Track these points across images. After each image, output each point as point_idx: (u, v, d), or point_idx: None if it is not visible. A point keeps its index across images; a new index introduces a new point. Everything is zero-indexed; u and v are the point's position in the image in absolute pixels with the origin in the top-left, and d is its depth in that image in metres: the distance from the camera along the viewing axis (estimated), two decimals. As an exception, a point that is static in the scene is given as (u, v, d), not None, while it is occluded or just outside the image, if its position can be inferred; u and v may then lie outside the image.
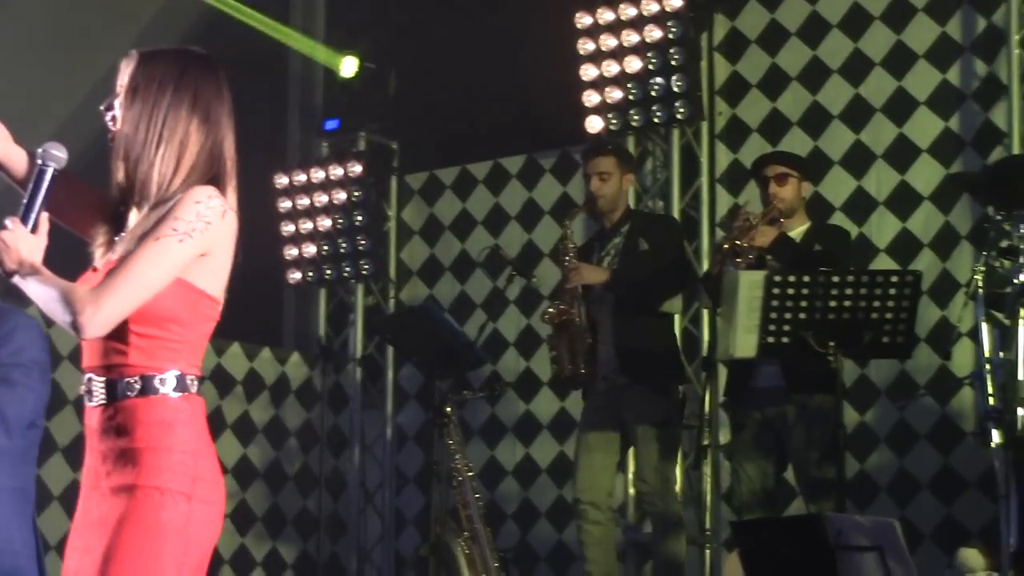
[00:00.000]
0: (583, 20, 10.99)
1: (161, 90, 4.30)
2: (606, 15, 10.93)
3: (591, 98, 10.95)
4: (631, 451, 9.53)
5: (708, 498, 9.94)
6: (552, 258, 11.11)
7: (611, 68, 10.90)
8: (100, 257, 4.33)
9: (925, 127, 10.24)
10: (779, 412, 8.74)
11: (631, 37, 10.85)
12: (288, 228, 12.25)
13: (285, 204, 12.26)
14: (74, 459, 10.35)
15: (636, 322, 9.19)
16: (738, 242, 8.69)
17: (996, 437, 7.91)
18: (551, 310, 9.39)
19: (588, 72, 10.96)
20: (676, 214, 10.82)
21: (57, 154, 4.17)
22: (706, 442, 9.51)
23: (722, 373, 9.32)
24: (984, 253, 8.35)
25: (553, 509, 11.15)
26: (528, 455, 11.38)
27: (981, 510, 9.35)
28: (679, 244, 9.67)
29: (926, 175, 10.19)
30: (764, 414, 8.81)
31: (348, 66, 12.12)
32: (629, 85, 10.85)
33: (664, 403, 9.22)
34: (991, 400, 7.92)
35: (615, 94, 10.88)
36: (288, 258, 12.23)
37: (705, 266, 10.38)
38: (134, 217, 4.31)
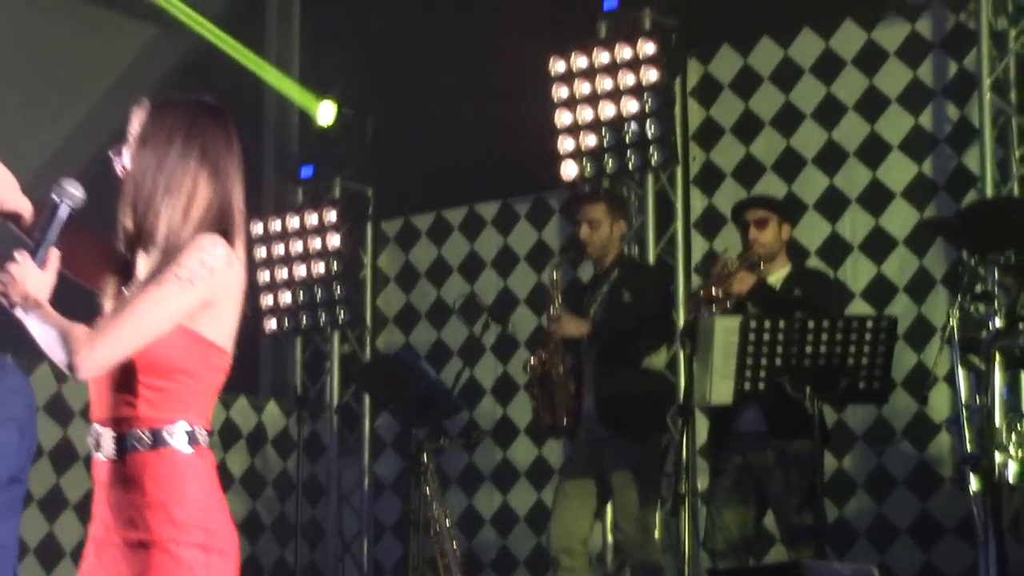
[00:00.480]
0: (557, 66, 10.99)
1: (170, 140, 4.27)
2: (580, 61, 10.93)
3: (566, 144, 10.95)
4: (610, 499, 9.49)
5: (686, 546, 9.93)
6: (528, 304, 11.10)
7: (585, 114, 10.90)
8: (110, 308, 4.27)
9: (898, 171, 10.26)
10: (759, 458, 8.71)
11: (605, 83, 10.85)
12: (264, 276, 12.23)
13: (260, 252, 12.24)
14: (85, 515, 10.30)
15: (617, 373, 9.17)
16: (715, 290, 8.68)
17: (974, 483, 7.89)
18: (532, 361, 9.36)
19: (562, 118, 10.96)
20: (651, 259, 10.80)
21: (74, 192, 4.15)
22: (683, 489, 9.53)
23: (702, 419, 9.35)
24: (959, 297, 8.37)
25: (531, 558, 11.12)
26: (506, 503, 11.34)
27: (960, 556, 9.35)
28: (663, 297, 9.65)
29: (900, 219, 10.20)
30: (745, 459, 8.77)
31: (325, 112, 12.09)
32: (603, 131, 10.85)
33: (642, 451, 9.20)
34: (969, 445, 7.92)
35: (590, 140, 10.89)
36: (264, 307, 12.20)
37: (681, 312, 10.39)
38: (143, 267, 4.26)
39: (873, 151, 10.35)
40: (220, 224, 4.26)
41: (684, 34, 11.01)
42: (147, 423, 4.13)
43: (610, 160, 10.86)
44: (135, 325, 4.02)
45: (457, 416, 10.94)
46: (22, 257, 4.05)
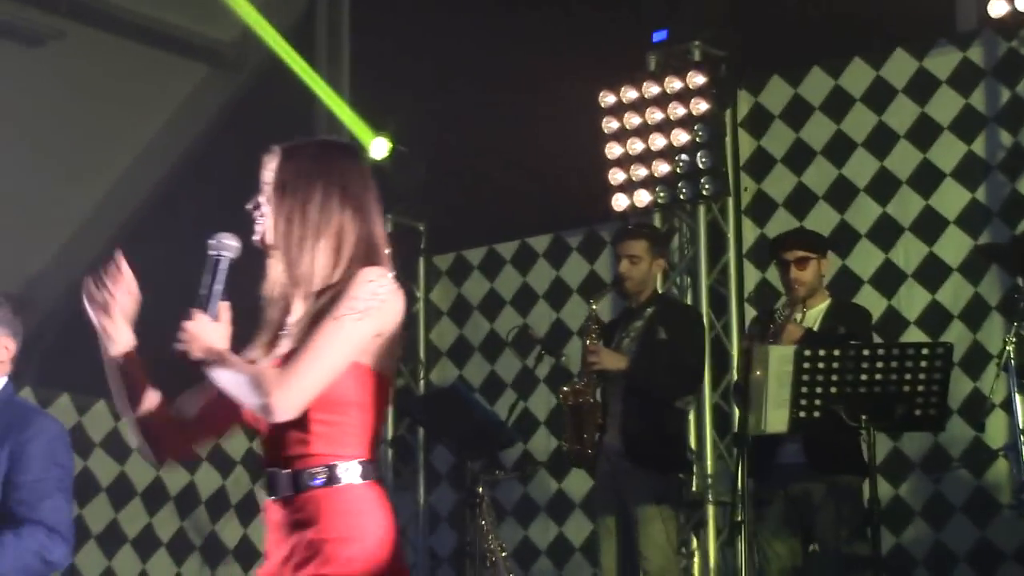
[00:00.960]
0: (607, 99, 11.01)
1: (311, 183, 4.29)
2: (630, 93, 10.94)
3: (616, 176, 10.96)
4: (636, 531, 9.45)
5: (743, 573, 9.90)
6: (580, 336, 11.11)
7: (636, 146, 10.92)
8: (265, 357, 4.26)
9: (952, 198, 10.22)
10: (803, 489, 8.69)
11: (655, 115, 10.86)
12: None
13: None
14: (107, 546, 10.32)
15: (646, 409, 9.15)
16: (771, 342, 8.68)
17: (1033, 510, 7.88)
18: (566, 389, 9.36)
19: (613, 150, 10.97)
20: (704, 290, 10.82)
21: (230, 243, 4.20)
22: (739, 518, 9.50)
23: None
24: (1015, 323, 8.34)
25: (589, 587, 11.09)
26: (561, 534, 11.33)
27: (1020, 583, 9.31)
28: (700, 342, 9.61)
29: (954, 246, 10.17)
30: (788, 491, 8.75)
31: (379, 147, 12.11)
32: (654, 162, 10.85)
33: (665, 483, 9.16)
34: (1026, 468, 7.90)
35: (640, 172, 10.89)
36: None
37: (735, 341, 10.39)
38: (298, 310, 4.27)
39: (926, 179, 10.32)
40: (369, 258, 4.27)
41: (734, 65, 10.99)
42: (321, 460, 4.14)
43: (662, 192, 10.85)
44: (322, 360, 4.04)
45: (511, 448, 10.93)
46: (195, 315, 4.13)
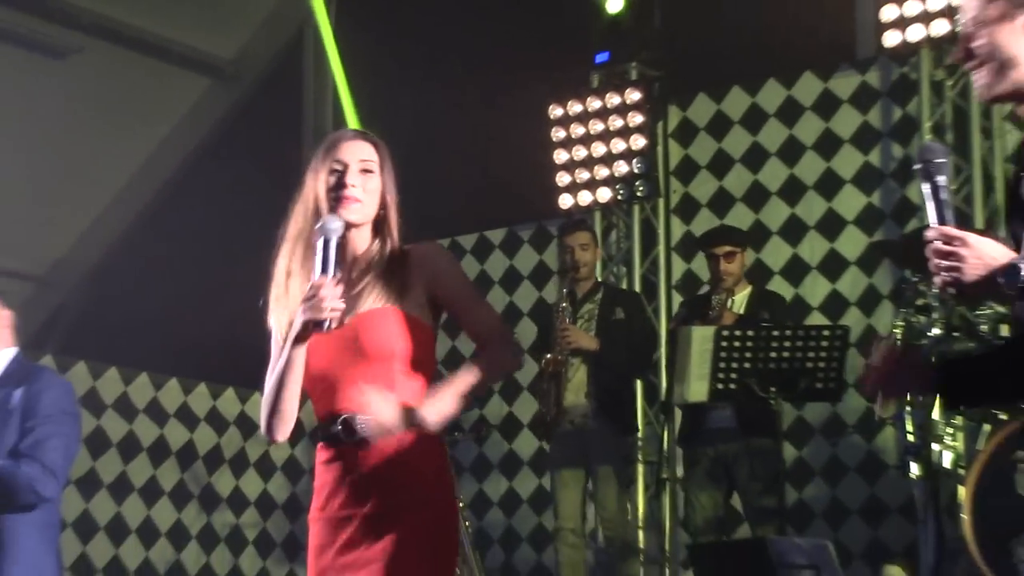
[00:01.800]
0: (555, 111, 11.02)
1: (392, 168, 4.31)
2: (575, 107, 10.97)
3: (563, 178, 10.98)
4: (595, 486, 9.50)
5: (667, 524, 9.95)
6: (530, 317, 11.13)
7: (580, 152, 10.93)
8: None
9: (850, 202, 10.28)
10: (729, 450, 8.76)
11: (597, 126, 10.89)
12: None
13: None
14: (117, 495, 10.32)
15: (610, 379, 9.23)
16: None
17: (915, 470, 7.91)
18: (549, 357, 9.38)
19: (560, 156, 10.99)
20: (637, 279, 10.87)
21: (336, 226, 4.11)
22: (665, 475, 9.57)
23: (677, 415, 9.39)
24: (903, 310, 8.38)
25: (533, 534, 11.12)
26: (511, 488, 11.34)
27: (903, 533, 9.36)
28: (650, 324, 9.68)
29: (852, 243, 10.23)
30: (716, 451, 8.83)
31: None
32: (596, 167, 10.89)
33: (623, 445, 9.27)
34: (910, 437, 7.94)
35: (583, 175, 10.92)
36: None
37: (663, 323, 10.46)
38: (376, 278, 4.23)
39: (829, 185, 10.37)
40: None
41: (665, 84, 11.05)
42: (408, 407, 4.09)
43: (601, 193, 10.90)
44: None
45: (469, 413, 10.94)
46: (324, 280, 4.03)
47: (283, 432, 4.18)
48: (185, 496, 10.78)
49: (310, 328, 4.02)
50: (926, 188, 3.44)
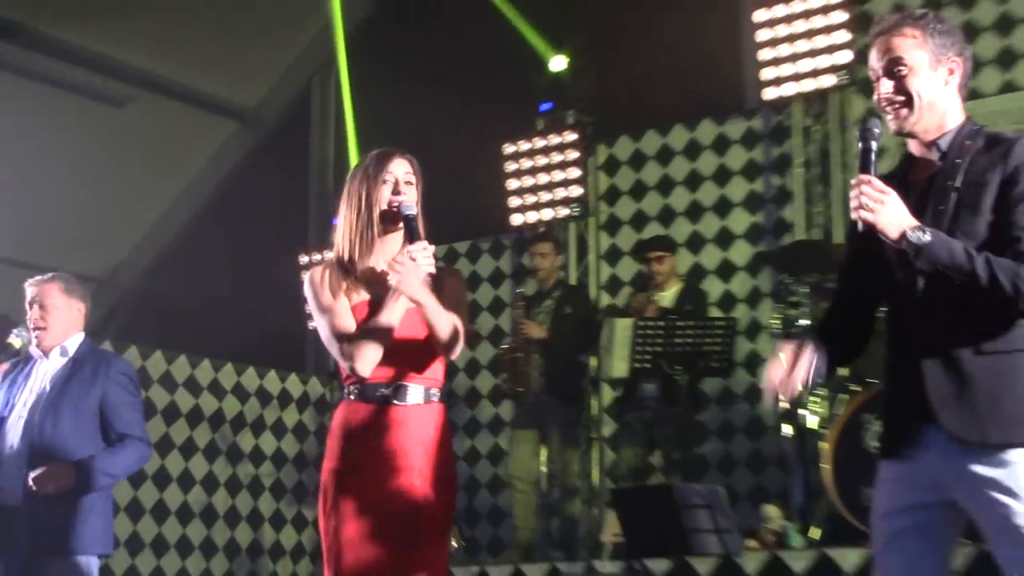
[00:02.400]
0: (508, 149, 11.04)
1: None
2: (524, 145, 10.98)
3: (514, 201, 11.00)
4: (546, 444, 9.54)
5: (596, 473, 10.01)
6: (489, 311, 11.16)
7: (528, 181, 10.95)
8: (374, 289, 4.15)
9: (740, 221, 10.32)
10: (652, 414, 8.81)
11: (541, 160, 10.91)
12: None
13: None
14: (161, 451, 10.28)
15: (561, 360, 9.27)
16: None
17: (788, 430, 8.03)
18: (504, 347, 9.45)
19: (511, 184, 11.00)
20: (572, 281, 10.81)
21: (411, 205, 4.14)
22: (593, 436, 9.63)
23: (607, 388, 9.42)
24: (779, 306, 8.47)
25: (490, 483, 11.16)
26: (473, 446, 11.37)
27: (778, 479, 9.38)
28: (594, 316, 9.72)
29: (741, 253, 10.27)
30: (641, 416, 8.88)
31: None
32: (540, 193, 10.92)
33: (570, 412, 9.31)
34: (784, 405, 8.03)
35: (531, 199, 10.94)
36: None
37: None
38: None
39: (723, 208, 10.41)
40: None
41: (595, 128, 11.07)
42: (436, 384, 4.12)
43: (544, 213, 10.93)
44: None
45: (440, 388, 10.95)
46: (421, 245, 4.05)
47: (370, 369, 4.08)
48: (215, 452, 10.79)
49: (420, 279, 4.02)
50: (862, 147, 3.40)
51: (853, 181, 3.32)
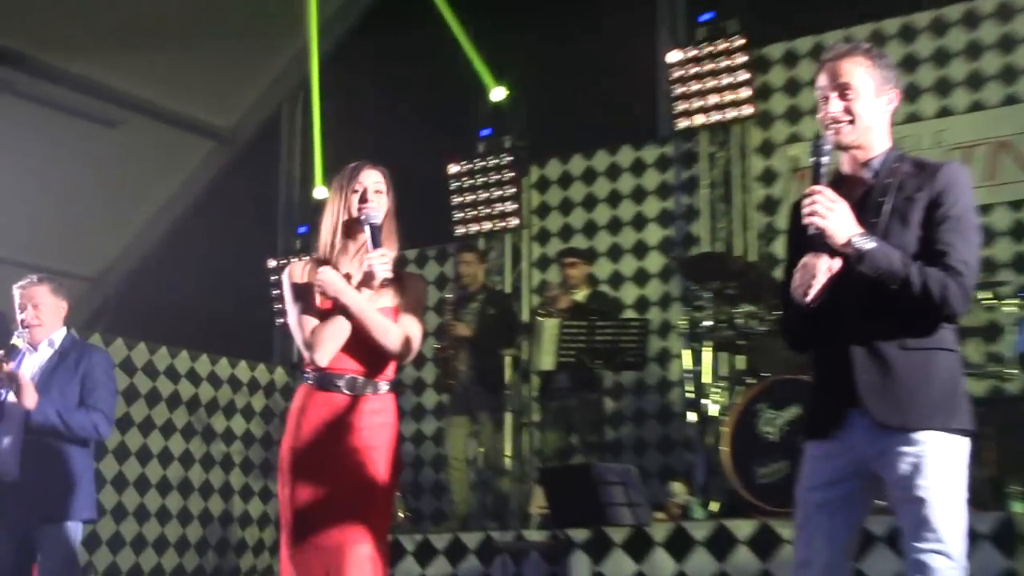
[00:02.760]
0: (453, 168, 11.01)
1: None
2: (467, 165, 10.96)
3: (457, 214, 10.97)
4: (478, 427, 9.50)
5: (525, 453, 9.98)
6: (434, 311, 11.10)
7: (469, 197, 10.93)
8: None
9: (653, 234, 10.34)
10: (568, 403, 8.80)
11: (481, 179, 10.89)
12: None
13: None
14: (144, 431, 10.18)
15: (486, 354, 9.23)
16: (550, 309, 8.79)
17: (692, 417, 8.04)
18: (437, 347, 9.39)
19: (455, 199, 10.97)
20: (508, 285, 10.86)
21: (377, 214, 4.04)
22: (524, 421, 9.60)
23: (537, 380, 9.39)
24: (687, 309, 8.49)
25: (433, 461, 11.09)
26: (419, 429, 11.32)
27: (684, 460, 9.42)
28: (513, 312, 9.69)
29: (654, 262, 10.30)
30: (561, 404, 8.86)
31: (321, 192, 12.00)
32: (479, 207, 10.89)
33: (493, 400, 9.27)
34: (690, 394, 8.05)
35: (471, 212, 10.92)
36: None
37: (526, 315, 10.47)
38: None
39: (639, 222, 10.43)
40: None
41: (529, 150, 11.04)
42: (389, 378, 4.05)
43: (484, 224, 10.91)
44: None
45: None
46: (379, 252, 3.95)
47: (328, 360, 4.01)
48: (191, 432, 10.68)
49: (371, 281, 3.95)
50: (813, 160, 3.37)
51: (806, 191, 3.32)
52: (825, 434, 3.38)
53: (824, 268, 3.32)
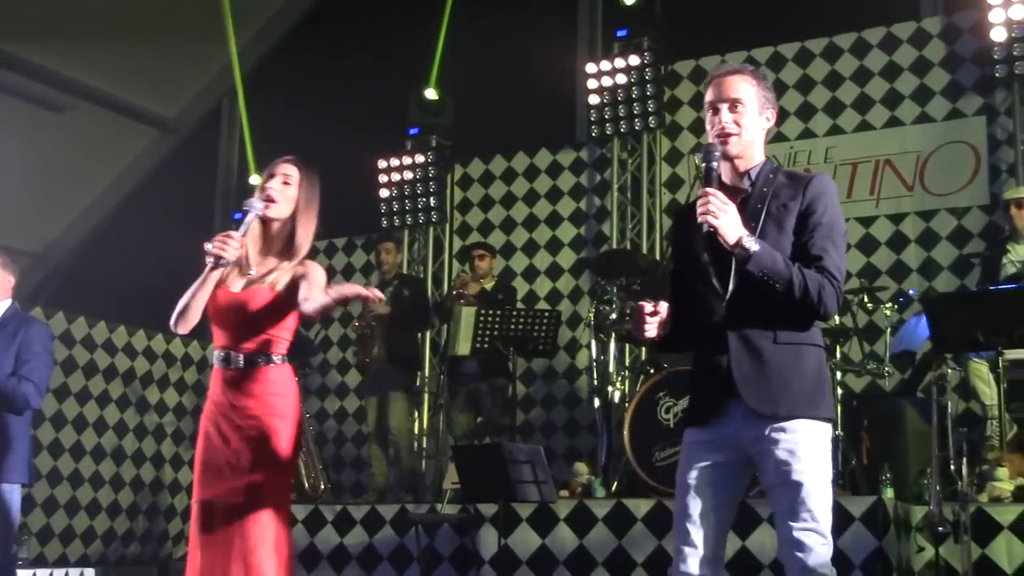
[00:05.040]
0: (381, 164, 10.94)
1: (312, 187, 4.14)
2: (394, 161, 10.90)
3: (384, 207, 10.90)
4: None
5: (441, 433, 9.95)
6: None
7: (396, 191, 10.87)
8: (233, 281, 4.08)
9: (567, 232, 10.37)
10: (477, 387, 8.78)
11: (408, 175, 10.85)
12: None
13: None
14: (80, 401, 10.00)
15: (400, 334, 9.14)
16: (458, 292, 8.78)
17: (597, 402, 8.05)
18: (357, 324, 9.31)
19: (383, 193, 10.91)
20: (430, 275, 10.81)
21: (258, 204, 4.01)
22: (441, 402, 9.54)
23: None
24: (595, 302, 8.50)
25: (355, 437, 11.01)
26: (342, 406, 11.23)
27: (588, 442, 9.47)
28: (426, 296, 9.62)
29: (566, 258, 10.31)
30: (468, 388, 8.83)
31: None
32: (405, 200, 10.83)
33: (406, 379, 9.20)
34: (596, 381, 8.06)
35: (396, 206, 10.85)
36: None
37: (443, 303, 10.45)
38: (274, 264, 4.05)
39: (554, 220, 10.44)
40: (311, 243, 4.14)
41: (453, 149, 11.01)
42: (264, 351, 4.01)
43: (408, 217, 10.85)
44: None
45: (316, 356, 10.83)
46: (236, 235, 3.90)
47: (184, 327, 4.02)
48: (126, 403, 10.48)
49: (213, 260, 3.90)
50: (706, 165, 3.40)
51: (700, 192, 3.33)
52: (705, 421, 3.42)
53: (648, 310, 3.39)
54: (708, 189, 3.33)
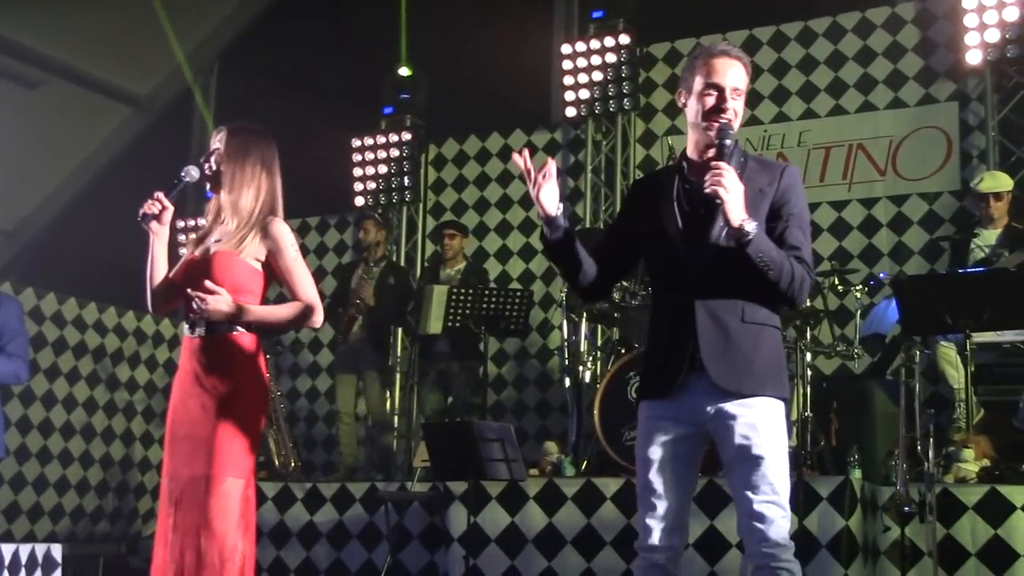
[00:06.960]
0: (355, 142, 10.89)
1: (246, 152, 4.10)
2: (368, 140, 10.85)
3: (357, 186, 10.85)
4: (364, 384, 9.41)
5: (413, 412, 9.92)
6: (333, 276, 10.96)
7: (369, 170, 10.82)
8: (193, 246, 4.16)
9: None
10: (448, 366, 8.76)
11: (382, 153, 10.80)
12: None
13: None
14: (50, 377, 9.93)
15: (379, 319, 9.11)
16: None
17: (568, 382, 8.04)
18: (340, 309, 9.25)
19: (357, 172, 10.86)
20: (403, 254, 10.77)
21: (193, 172, 4.06)
22: (413, 381, 9.51)
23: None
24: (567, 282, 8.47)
25: (326, 416, 10.95)
26: (314, 385, 11.18)
27: (559, 422, 9.48)
28: (410, 285, 9.59)
29: (540, 239, 10.26)
30: (439, 368, 8.82)
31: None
32: (380, 180, 10.78)
33: (382, 359, 9.18)
34: (566, 362, 8.04)
35: (371, 185, 10.81)
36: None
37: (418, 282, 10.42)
38: (227, 229, 4.09)
39: (527, 201, 10.33)
40: (273, 206, 4.10)
41: (428, 129, 10.98)
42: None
43: (382, 197, 10.80)
44: (308, 279, 4.04)
45: (287, 335, 10.78)
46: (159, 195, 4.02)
47: (158, 307, 4.19)
48: (96, 380, 10.41)
49: (145, 218, 4.04)
50: (719, 141, 3.41)
51: (713, 164, 3.32)
52: (664, 395, 3.45)
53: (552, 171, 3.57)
54: (723, 163, 3.33)
